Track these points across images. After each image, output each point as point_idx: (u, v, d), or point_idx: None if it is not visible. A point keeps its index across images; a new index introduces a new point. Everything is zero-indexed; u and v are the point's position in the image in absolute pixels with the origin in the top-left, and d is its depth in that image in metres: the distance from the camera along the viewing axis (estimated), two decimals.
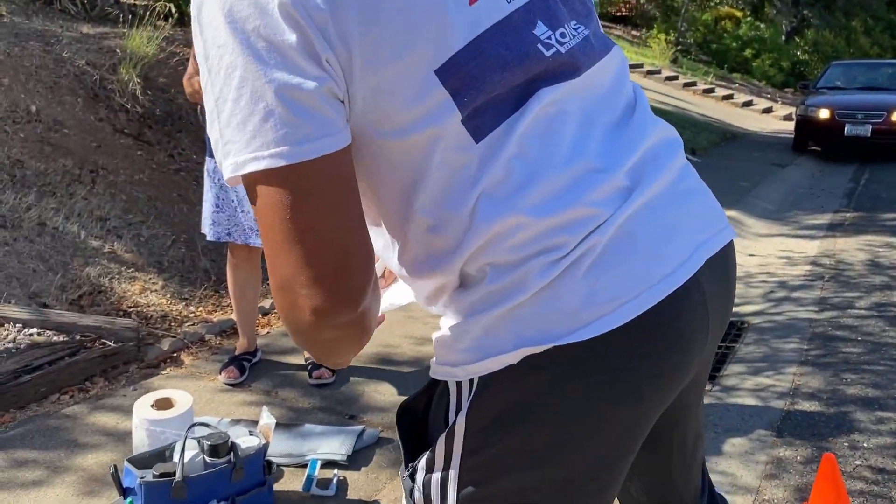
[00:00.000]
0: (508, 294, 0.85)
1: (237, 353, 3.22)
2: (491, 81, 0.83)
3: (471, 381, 0.90)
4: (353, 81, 0.78)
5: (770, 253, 5.89)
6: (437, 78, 0.80)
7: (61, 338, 3.15)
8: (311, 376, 3.12)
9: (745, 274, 5.33)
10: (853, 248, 5.87)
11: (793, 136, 11.35)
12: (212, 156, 2.99)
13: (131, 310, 3.62)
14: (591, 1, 1.02)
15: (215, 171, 2.98)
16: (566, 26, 0.91)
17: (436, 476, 0.94)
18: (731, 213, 6.81)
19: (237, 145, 0.75)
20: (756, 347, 3.89)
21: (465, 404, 0.90)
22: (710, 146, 10.87)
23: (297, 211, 0.75)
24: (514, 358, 0.85)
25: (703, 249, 0.92)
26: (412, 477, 0.98)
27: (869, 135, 10.24)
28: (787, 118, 14.88)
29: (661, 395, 0.91)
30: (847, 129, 10.32)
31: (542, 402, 0.86)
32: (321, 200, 0.76)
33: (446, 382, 0.94)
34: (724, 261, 0.98)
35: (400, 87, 0.79)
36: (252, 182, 0.76)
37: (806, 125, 10.80)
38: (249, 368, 3.19)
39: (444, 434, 0.93)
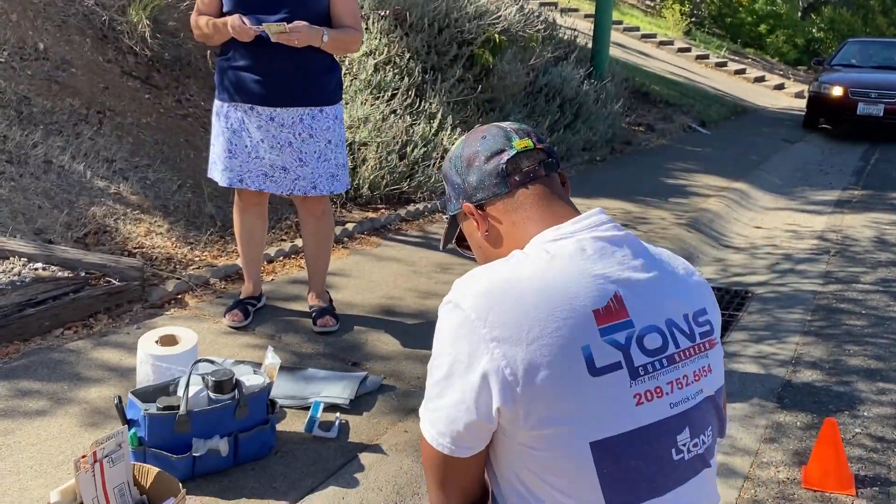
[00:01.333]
0: None
1: (242, 297, 3.21)
2: (626, 465, 1.07)
3: None
4: (516, 427, 1.08)
5: (776, 226, 5.86)
6: (589, 449, 1.06)
7: (66, 274, 3.14)
8: (315, 323, 3.12)
9: (750, 245, 5.31)
10: (860, 225, 5.85)
11: (804, 113, 11.24)
12: (221, 99, 2.91)
13: (136, 251, 3.61)
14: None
15: (227, 116, 2.89)
16: (707, 431, 1.15)
17: None
18: (739, 185, 6.77)
19: (424, 412, 1.16)
20: (759, 316, 3.89)
21: None
22: (720, 119, 10.77)
23: (443, 474, 1.17)
24: None
25: None
26: None
27: (881, 114, 10.13)
28: (799, 95, 14.73)
29: None
30: (860, 107, 10.21)
31: None
32: (459, 473, 1.17)
33: None
34: None
35: (552, 446, 1.07)
36: (423, 438, 1.17)
37: (818, 102, 10.68)
38: (254, 313, 3.19)
39: None
